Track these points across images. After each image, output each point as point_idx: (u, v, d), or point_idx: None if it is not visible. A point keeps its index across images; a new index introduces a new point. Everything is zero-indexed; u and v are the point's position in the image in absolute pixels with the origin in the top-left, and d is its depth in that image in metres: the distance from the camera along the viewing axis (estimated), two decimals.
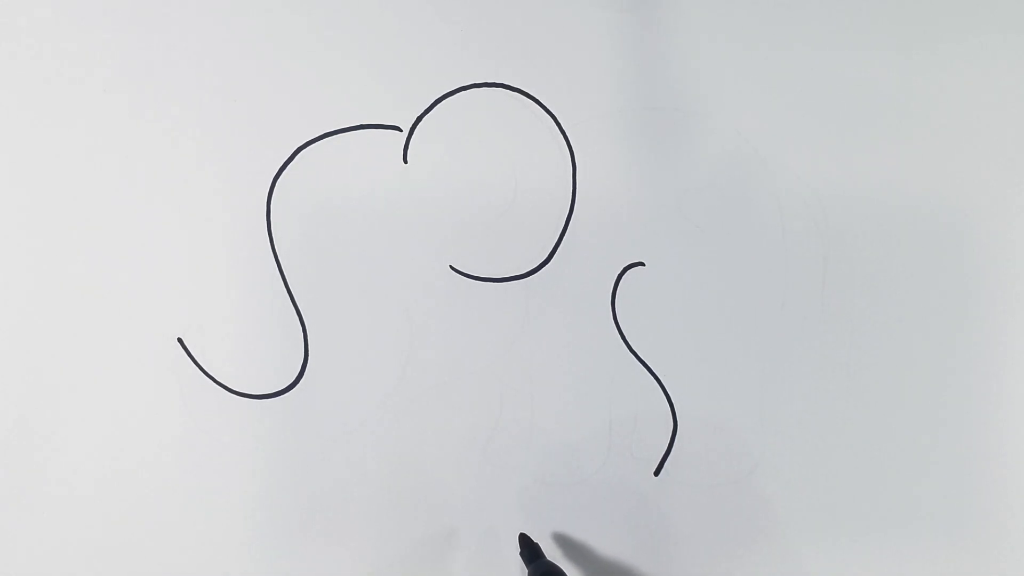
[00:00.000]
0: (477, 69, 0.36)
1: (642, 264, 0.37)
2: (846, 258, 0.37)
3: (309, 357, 0.36)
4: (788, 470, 0.37)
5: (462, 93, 0.36)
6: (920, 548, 0.37)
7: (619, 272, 0.37)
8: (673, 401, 0.37)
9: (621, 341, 0.37)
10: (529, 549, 0.35)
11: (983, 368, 0.37)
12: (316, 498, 0.36)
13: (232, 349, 0.36)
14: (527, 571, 0.34)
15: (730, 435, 0.37)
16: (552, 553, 0.36)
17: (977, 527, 0.37)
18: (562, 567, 0.36)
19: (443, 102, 0.36)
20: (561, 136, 0.36)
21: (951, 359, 0.37)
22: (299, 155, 0.36)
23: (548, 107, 0.36)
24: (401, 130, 0.36)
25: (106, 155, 0.36)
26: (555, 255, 0.37)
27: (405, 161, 0.36)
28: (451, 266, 0.36)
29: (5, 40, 0.35)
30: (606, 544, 0.37)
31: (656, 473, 0.37)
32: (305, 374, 0.36)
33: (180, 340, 0.36)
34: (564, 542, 0.37)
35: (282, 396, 0.36)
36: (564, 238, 0.37)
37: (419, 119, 0.36)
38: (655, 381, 0.37)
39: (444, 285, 0.36)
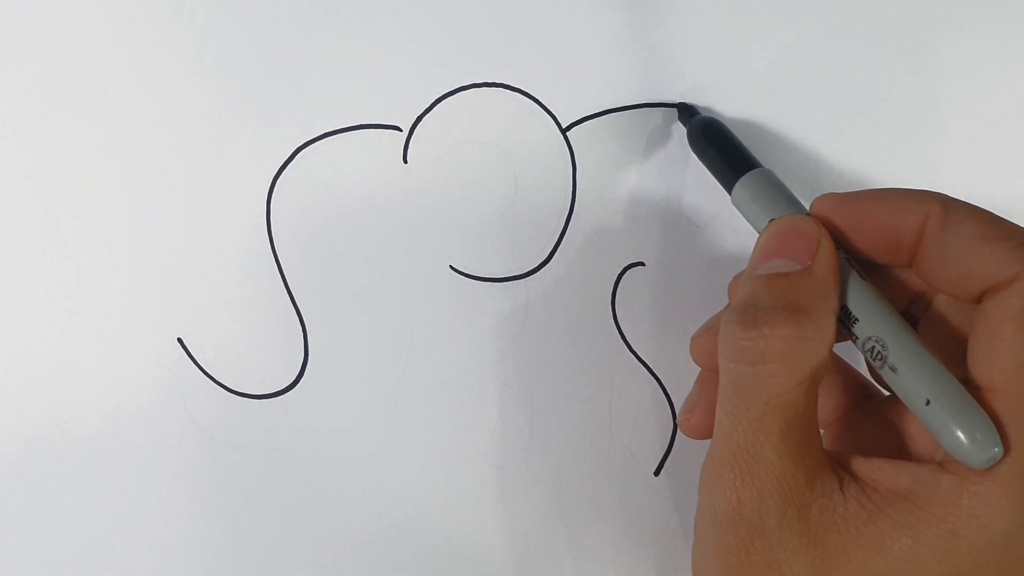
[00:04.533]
0: (477, 69, 0.36)
1: (642, 264, 0.37)
2: None
3: (309, 357, 0.36)
4: None
5: (462, 93, 0.36)
6: None
7: (619, 272, 0.37)
8: (673, 401, 0.37)
9: (621, 341, 0.37)
10: (687, 111, 0.36)
11: None
12: (316, 497, 0.36)
13: (232, 349, 0.36)
14: (686, 130, 0.35)
15: None
16: (552, 552, 0.36)
17: None
18: (561, 567, 0.36)
19: (443, 102, 0.36)
20: (561, 136, 0.36)
21: None
22: (299, 155, 0.36)
23: (548, 107, 0.36)
24: (401, 130, 0.36)
25: (104, 155, 0.36)
26: (555, 255, 0.37)
27: (405, 161, 0.36)
28: (451, 266, 0.36)
29: (3, 40, 0.35)
30: (606, 544, 0.37)
31: (656, 473, 0.37)
32: (305, 374, 0.36)
33: (180, 340, 0.36)
34: (564, 542, 0.37)
35: (282, 396, 0.36)
36: (564, 238, 0.37)
37: (419, 119, 0.36)
38: (655, 381, 0.37)
39: (444, 285, 0.36)
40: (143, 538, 0.36)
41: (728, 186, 0.33)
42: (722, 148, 0.34)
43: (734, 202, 0.33)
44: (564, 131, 0.36)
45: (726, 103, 0.37)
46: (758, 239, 0.30)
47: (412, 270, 0.36)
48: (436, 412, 0.36)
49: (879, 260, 0.30)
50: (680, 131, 0.37)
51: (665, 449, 0.37)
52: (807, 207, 0.31)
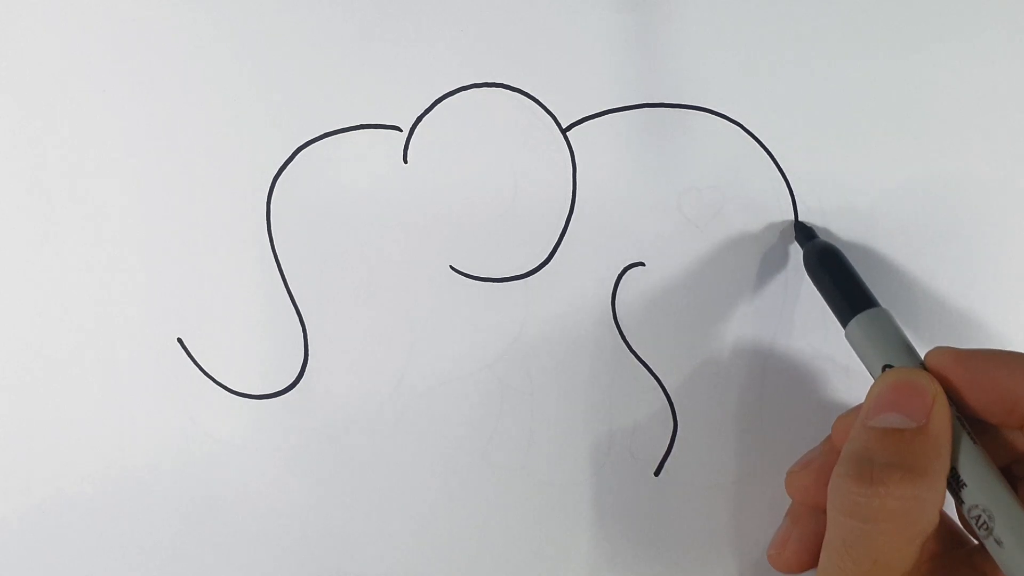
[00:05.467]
0: (477, 69, 0.36)
1: (642, 264, 0.37)
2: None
3: (309, 357, 0.36)
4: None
5: (462, 93, 0.36)
6: None
7: (619, 272, 0.37)
8: (673, 401, 0.37)
9: (621, 341, 0.37)
10: (803, 232, 0.35)
11: None
12: (316, 497, 0.36)
13: (232, 349, 0.36)
14: (802, 251, 0.35)
15: (730, 435, 0.37)
16: (552, 552, 0.36)
17: None
18: (562, 567, 0.36)
19: (443, 102, 0.36)
20: (561, 136, 0.36)
21: None
22: (299, 155, 0.36)
23: (548, 107, 0.36)
24: (401, 130, 0.36)
25: (104, 155, 0.36)
26: (555, 255, 0.37)
27: (405, 161, 0.36)
28: (451, 266, 0.36)
29: (3, 40, 0.35)
30: (606, 544, 0.37)
31: (656, 473, 0.37)
32: (305, 374, 0.36)
33: (180, 340, 0.36)
34: (564, 542, 0.37)
35: (282, 396, 0.36)
36: (564, 238, 0.37)
37: (419, 119, 0.36)
38: (655, 381, 0.37)
39: (444, 285, 0.36)
40: (142, 538, 0.36)
41: (843, 320, 0.33)
42: (838, 278, 0.34)
43: (848, 337, 0.33)
44: (564, 131, 0.36)
45: (726, 103, 0.37)
46: (872, 387, 0.30)
47: (412, 270, 0.36)
48: (436, 412, 0.36)
49: (989, 420, 0.30)
50: (680, 133, 0.37)
51: (665, 449, 0.37)
52: (920, 351, 0.31)
